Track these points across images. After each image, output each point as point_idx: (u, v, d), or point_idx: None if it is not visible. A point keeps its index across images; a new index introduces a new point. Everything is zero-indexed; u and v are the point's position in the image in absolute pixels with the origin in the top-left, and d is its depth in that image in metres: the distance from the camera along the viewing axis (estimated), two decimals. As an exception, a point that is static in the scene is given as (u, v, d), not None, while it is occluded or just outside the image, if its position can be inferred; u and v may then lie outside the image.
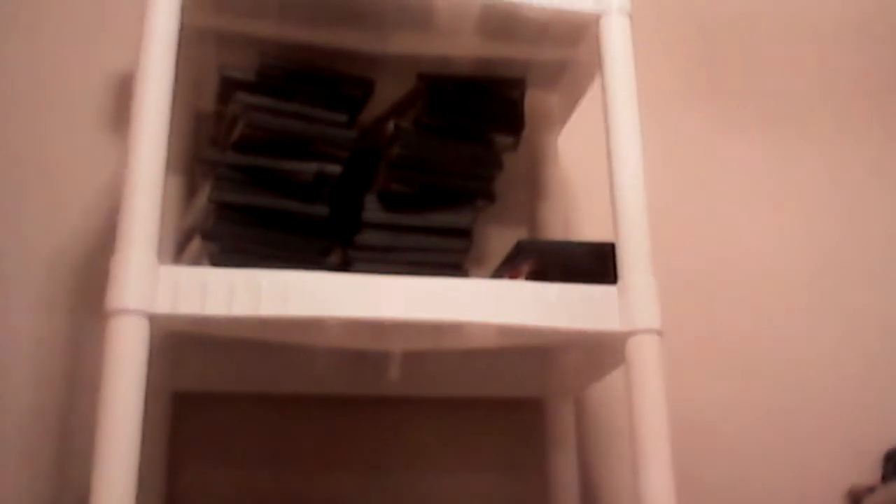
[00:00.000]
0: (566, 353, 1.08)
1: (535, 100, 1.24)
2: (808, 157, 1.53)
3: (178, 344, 0.98)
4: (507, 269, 1.03)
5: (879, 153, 1.56)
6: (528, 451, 1.25)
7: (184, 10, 0.92)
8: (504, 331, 0.97)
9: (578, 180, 1.41)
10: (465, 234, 1.09)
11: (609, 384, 1.31)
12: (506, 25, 1.08)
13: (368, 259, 1.05)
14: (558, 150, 1.30)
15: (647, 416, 0.88)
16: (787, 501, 1.31)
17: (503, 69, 1.17)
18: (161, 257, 0.84)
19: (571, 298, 0.92)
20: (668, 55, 1.53)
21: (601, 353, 1.02)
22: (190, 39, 1.06)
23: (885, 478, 1.33)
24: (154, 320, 0.82)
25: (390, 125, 1.07)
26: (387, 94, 1.15)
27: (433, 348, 1.02)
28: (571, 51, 1.13)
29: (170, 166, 0.95)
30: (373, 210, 1.06)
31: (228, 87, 1.04)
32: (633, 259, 0.93)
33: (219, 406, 1.18)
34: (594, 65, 1.10)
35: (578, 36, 1.10)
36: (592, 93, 1.18)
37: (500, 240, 1.31)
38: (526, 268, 0.98)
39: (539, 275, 0.97)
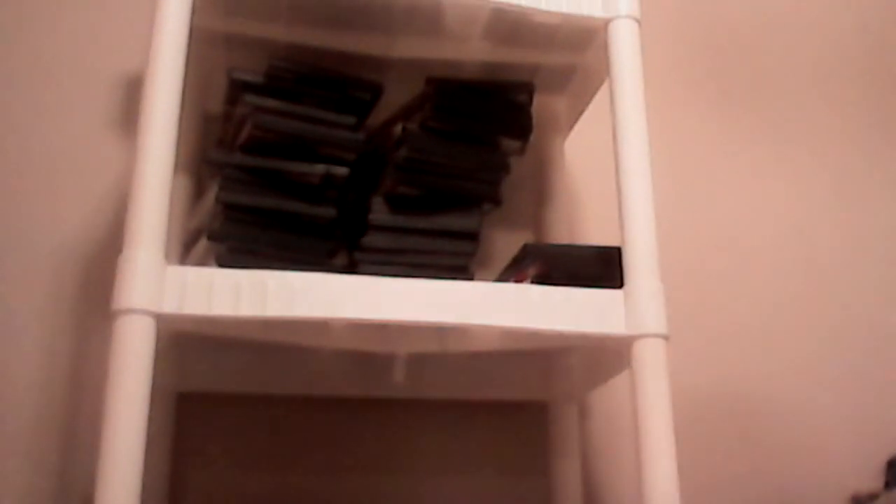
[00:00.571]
0: (571, 357, 1.09)
1: (543, 104, 1.25)
2: (815, 163, 1.53)
3: (183, 344, 0.98)
4: (513, 272, 1.04)
5: (885, 160, 1.56)
6: (532, 455, 1.25)
7: (194, 12, 0.93)
8: (509, 334, 0.97)
9: (585, 185, 1.41)
10: (471, 237, 1.09)
11: (613, 388, 1.31)
12: (514, 30, 1.09)
13: (374, 261, 1.05)
14: (565, 154, 1.30)
15: (651, 420, 0.88)
16: (791, 508, 1.31)
17: (511, 73, 1.17)
18: (168, 257, 0.85)
19: (577, 302, 0.92)
20: (675, 61, 1.54)
21: (606, 356, 1.02)
22: (199, 41, 1.07)
23: (888, 485, 1.33)
24: (160, 320, 0.82)
25: (398, 128, 1.07)
26: (395, 97, 1.15)
27: (438, 351, 1.02)
28: (579, 56, 1.14)
29: (177, 167, 0.95)
30: (379, 212, 1.06)
31: (237, 88, 1.05)
32: (640, 263, 0.93)
33: (223, 407, 1.19)
34: (602, 70, 1.10)
35: (587, 41, 1.10)
36: (600, 98, 1.18)
37: (506, 243, 1.31)
38: (532, 271, 0.98)
39: (545, 278, 0.97)
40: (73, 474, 1.13)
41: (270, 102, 1.01)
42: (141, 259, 0.82)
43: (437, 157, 1.07)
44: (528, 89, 1.14)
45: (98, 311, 1.19)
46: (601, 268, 0.99)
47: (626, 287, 0.93)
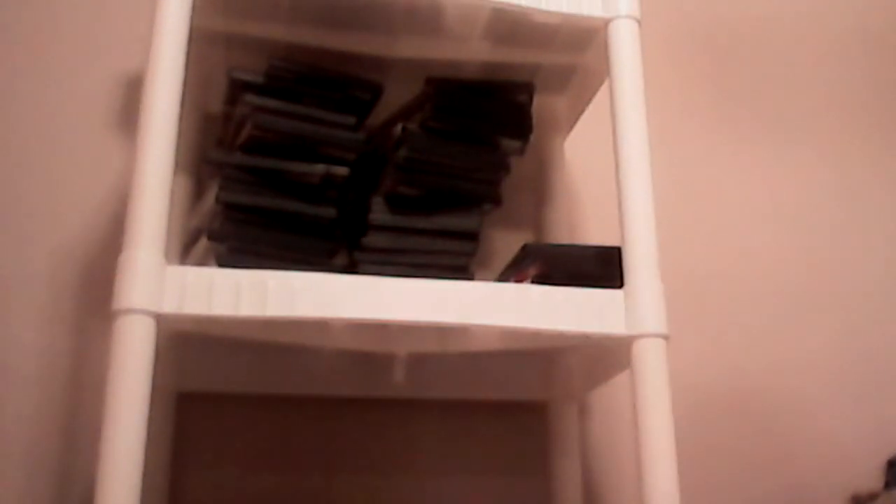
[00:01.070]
0: (571, 357, 1.08)
1: (543, 104, 1.25)
2: (815, 164, 1.53)
3: (183, 344, 0.98)
4: (513, 272, 1.04)
5: (886, 160, 1.56)
6: (531, 455, 1.25)
7: (194, 12, 0.93)
8: (509, 334, 0.97)
9: (585, 185, 1.41)
10: (471, 237, 1.09)
11: (613, 388, 1.31)
12: (514, 30, 1.09)
13: (375, 261, 1.05)
14: (565, 154, 1.30)
15: (651, 420, 0.88)
16: (791, 508, 1.31)
17: (511, 73, 1.17)
18: (168, 257, 0.85)
19: (577, 302, 0.92)
20: (675, 61, 1.54)
21: (606, 356, 1.02)
22: (199, 41, 1.07)
23: (888, 485, 1.33)
24: (161, 320, 0.82)
25: (398, 128, 1.07)
26: (395, 97, 1.15)
27: (438, 351, 1.02)
28: (580, 56, 1.14)
29: (177, 167, 0.95)
30: (379, 212, 1.06)
31: (237, 88, 1.05)
32: (640, 263, 0.93)
33: (223, 407, 1.19)
34: (602, 70, 1.10)
35: (587, 41, 1.10)
36: (600, 98, 1.18)
37: (506, 243, 1.31)
38: (532, 271, 0.98)
39: (545, 278, 0.97)
40: (73, 474, 1.13)
41: (270, 102, 1.01)
42: (141, 259, 0.82)
43: (437, 157, 1.07)
44: (528, 89, 1.14)
45: (98, 311, 1.19)
46: (601, 268, 0.99)
47: (626, 287, 0.93)
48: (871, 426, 1.38)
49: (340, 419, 1.21)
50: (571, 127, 1.27)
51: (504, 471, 1.24)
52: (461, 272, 1.07)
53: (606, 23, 1.03)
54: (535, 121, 1.15)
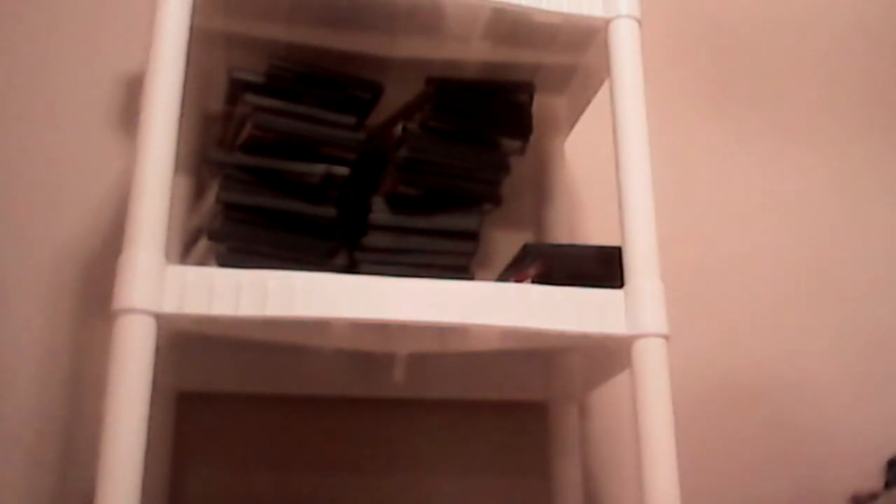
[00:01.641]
0: (571, 357, 1.09)
1: (543, 104, 1.25)
2: (815, 164, 1.53)
3: (183, 344, 0.98)
4: (513, 272, 1.04)
5: (886, 159, 1.56)
6: (532, 455, 1.25)
7: (194, 11, 0.93)
8: (509, 334, 0.97)
9: (585, 185, 1.41)
10: (471, 236, 1.09)
11: (613, 388, 1.31)
12: (515, 30, 1.09)
13: (375, 261, 1.05)
14: (565, 154, 1.30)
15: (652, 420, 0.88)
16: (791, 508, 1.31)
17: (511, 73, 1.17)
18: (168, 257, 0.85)
19: (577, 302, 0.92)
20: (676, 61, 1.54)
21: (606, 356, 1.02)
22: (199, 41, 1.07)
23: (888, 484, 1.33)
24: (161, 320, 0.82)
25: (398, 128, 1.07)
26: (395, 97, 1.15)
27: (438, 350, 1.02)
28: (580, 55, 1.14)
29: (178, 167, 0.95)
30: (380, 212, 1.06)
31: (237, 88, 1.05)
32: (640, 263, 0.93)
33: (223, 406, 1.19)
34: (602, 70, 1.10)
35: (587, 41, 1.10)
36: (600, 98, 1.18)
37: (506, 243, 1.31)
38: (532, 271, 0.98)
39: (545, 278, 0.97)
40: (73, 474, 1.12)
41: (271, 102, 1.01)
42: (141, 259, 0.82)
43: (437, 157, 1.07)
44: (529, 89, 1.14)
45: (98, 311, 1.19)
46: (601, 267, 0.99)
47: (626, 287, 0.93)
48: (872, 426, 1.38)
49: (340, 419, 1.21)
50: (572, 127, 1.27)
51: (504, 471, 1.24)
52: (461, 272, 1.07)
53: (607, 22, 1.03)
54: (535, 121, 1.15)
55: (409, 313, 0.88)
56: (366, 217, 1.06)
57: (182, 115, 0.89)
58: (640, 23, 1.03)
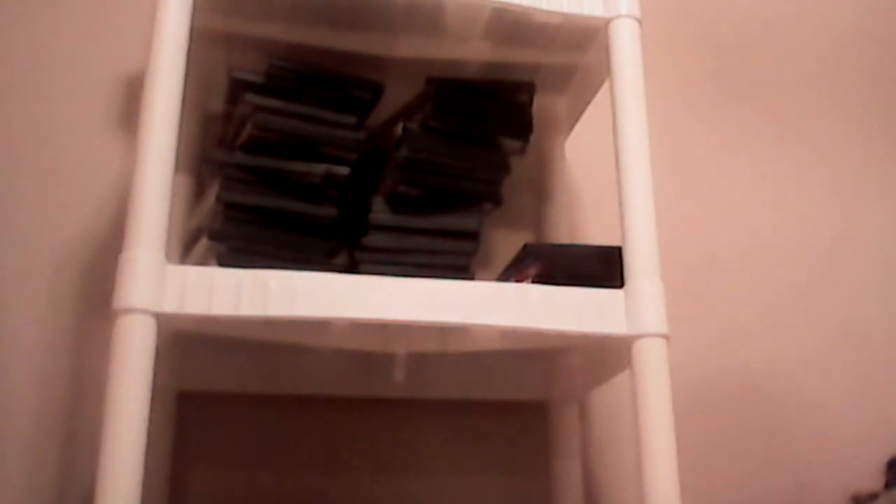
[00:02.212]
0: (571, 357, 1.09)
1: (544, 104, 1.25)
2: (815, 162, 1.53)
3: (183, 344, 0.98)
4: (514, 272, 1.04)
5: (885, 158, 1.56)
6: (532, 455, 1.25)
7: (194, 11, 0.93)
8: (510, 334, 0.97)
9: (585, 184, 1.41)
10: (472, 236, 1.09)
11: (613, 388, 1.31)
12: (515, 30, 1.09)
13: (375, 261, 1.05)
14: (565, 154, 1.30)
15: (652, 420, 0.88)
16: (791, 508, 1.31)
17: (512, 73, 1.17)
18: (169, 257, 0.85)
19: (577, 302, 0.92)
20: (676, 61, 1.54)
21: (606, 356, 1.02)
22: (200, 40, 1.07)
23: (888, 485, 1.33)
24: (161, 319, 0.82)
25: (398, 128, 1.07)
26: (395, 97, 1.15)
27: (438, 350, 1.03)
28: (580, 55, 1.14)
29: (178, 166, 0.95)
30: (380, 212, 1.07)
31: (237, 88, 1.05)
32: (640, 263, 0.93)
33: (223, 406, 1.19)
34: (603, 69, 1.10)
35: (587, 41, 1.10)
36: (600, 98, 1.18)
37: (506, 243, 1.31)
38: (532, 271, 0.98)
39: (545, 278, 0.97)
40: (73, 474, 1.13)
41: (271, 102, 1.01)
42: (141, 258, 0.82)
43: (437, 157, 1.07)
44: (529, 89, 1.14)
45: (98, 310, 1.19)
46: (602, 267, 0.99)
47: (626, 287, 0.94)
48: (872, 426, 1.38)
49: (340, 419, 1.21)
50: (572, 127, 1.27)
51: (504, 470, 1.24)
52: (462, 272, 1.07)
53: (607, 22, 1.03)
54: (535, 121, 1.15)
55: (409, 313, 0.88)
56: (366, 217, 1.06)
57: (182, 115, 0.89)
58: (640, 23, 1.03)
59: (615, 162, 0.98)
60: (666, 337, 0.91)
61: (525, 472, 1.24)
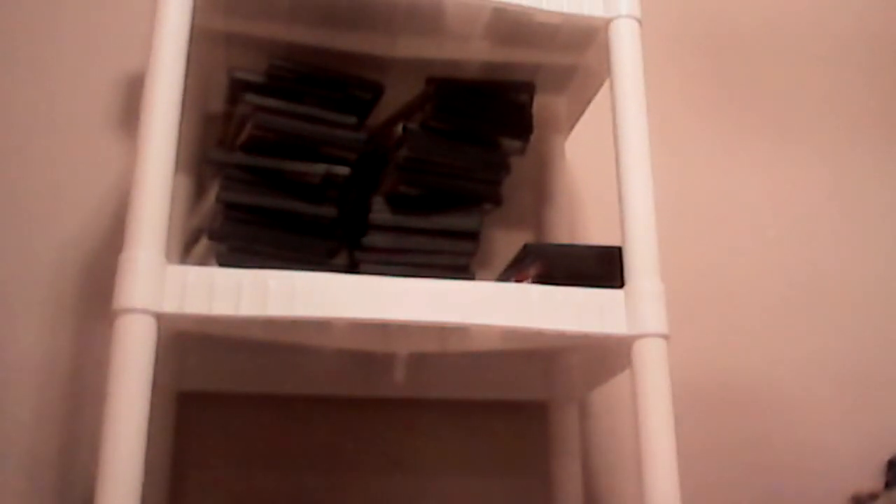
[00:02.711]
0: (571, 357, 1.09)
1: (544, 104, 1.25)
2: (815, 164, 1.53)
3: (183, 344, 0.98)
4: (514, 272, 1.04)
5: (885, 158, 1.56)
6: (532, 455, 1.25)
7: (194, 11, 0.93)
8: (510, 334, 0.97)
9: (585, 185, 1.41)
10: (472, 236, 1.09)
11: (613, 388, 1.31)
12: (515, 30, 1.09)
13: (375, 261, 1.05)
14: (565, 154, 1.30)
15: (652, 420, 0.88)
16: (791, 508, 1.31)
17: (512, 73, 1.17)
18: (169, 257, 0.85)
19: (577, 302, 0.92)
20: (676, 61, 1.54)
21: (607, 356, 1.02)
22: (200, 41, 1.07)
23: (889, 485, 1.33)
24: (161, 320, 0.82)
25: (399, 128, 1.07)
26: (396, 97, 1.15)
27: (439, 350, 1.03)
28: (580, 55, 1.14)
29: (178, 166, 0.95)
30: (380, 212, 1.07)
31: (237, 88, 1.05)
32: (641, 263, 0.93)
33: (224, 406, 1.19)
34: (603, 69, 1.10)
35: (588, 41, 1.10)
36: (600, 98, 1.18)
37: (506, 243, 1.31)
38: (532, 271, 0.98)
39: (545, 278, 0.97)
40: (74, 474, 1.12)
41: (271, 102, 1.01)
42: (141, 259, 0.82)
43: (437, 157, 1.07)
44: (529, 89, 1.14)
45: (98, 310, 1.19)
46: (602, 267, 0.99)
47: (626, 287, 0.94)
48: (871, 426, 1.38)
49: (341, 419, 1.21)
50: (572, 127, 1.27)
51: (504, 470, 1.24)
52: (462, 272, 1.07)
53: (607, 22, 1.03)
54: (535, 121, 1.15)
55: (409, 313, 0.88)
56: (366, 217, 1.06)
57: (182, 115, 0.89)
58: (640, 23, 1.03)
59: (615, 162, 0.98)
60: (666, 337, 0.91)
61: (525, 472, 1.24)
